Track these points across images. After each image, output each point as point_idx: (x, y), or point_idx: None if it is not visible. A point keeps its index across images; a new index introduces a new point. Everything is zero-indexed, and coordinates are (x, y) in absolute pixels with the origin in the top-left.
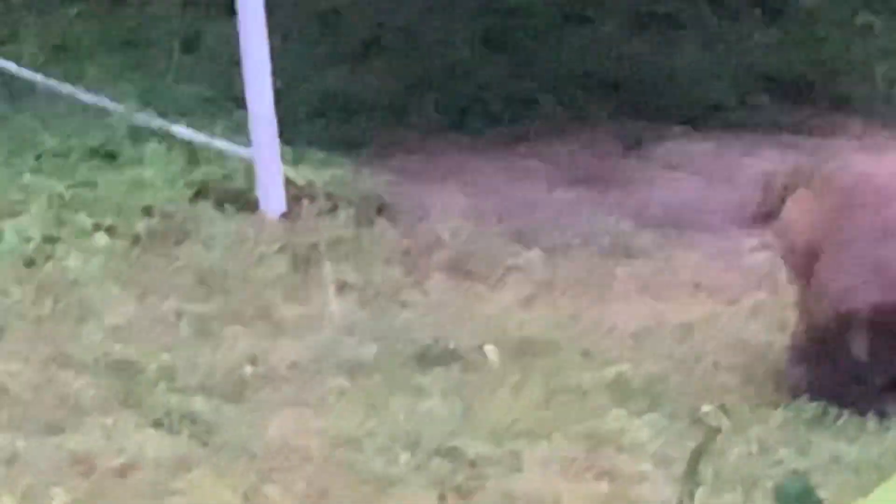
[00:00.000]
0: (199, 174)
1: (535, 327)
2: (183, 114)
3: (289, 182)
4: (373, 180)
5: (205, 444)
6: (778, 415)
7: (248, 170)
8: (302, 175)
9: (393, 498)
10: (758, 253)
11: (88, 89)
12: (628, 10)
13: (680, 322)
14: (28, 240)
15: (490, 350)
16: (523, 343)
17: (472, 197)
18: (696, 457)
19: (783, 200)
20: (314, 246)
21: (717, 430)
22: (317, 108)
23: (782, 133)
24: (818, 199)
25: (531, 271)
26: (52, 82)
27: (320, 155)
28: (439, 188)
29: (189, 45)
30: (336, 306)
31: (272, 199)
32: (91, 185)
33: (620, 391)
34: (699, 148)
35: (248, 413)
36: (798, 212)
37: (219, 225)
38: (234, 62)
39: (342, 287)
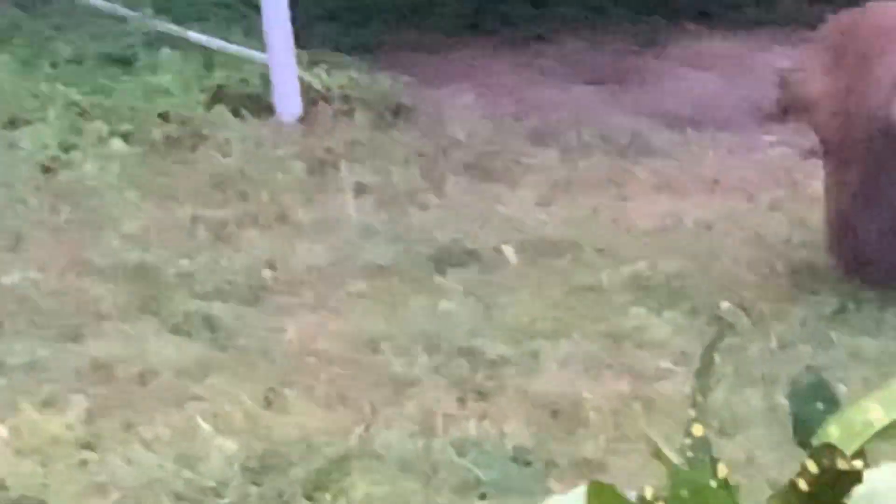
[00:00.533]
0: (214, 79)
1: (554, 227)
2: (198, 19)
3: (305, 85)
4: (389, 82)
5: (224, 349)
6: (798, 311)
7: (264, 74)
8: (318, 78)
9: (412, 399)
10: (775, 149)
11: None
12: None
13: (698, 219)
14: (45, 147)
15: (508, 250)
16: (541, 243)
17: (488, 97)
18: (709, 352)
19: (800, 97)
20: (331, 149)
21: (730, 326)
22: (332, 11)
23: (799, 29)
24: (832, 46)
25: (549, 171)
26: None
27: (336, 58)
28: (456, 89)
29: None
30: (354, 209)
31: (288, 102)
32: (107, 91)
33: (639, 289)
34: (716, 45)
35: (267, 317)
36: (815, 66)
37: (235, 130)
38: None
39: (360, 190)
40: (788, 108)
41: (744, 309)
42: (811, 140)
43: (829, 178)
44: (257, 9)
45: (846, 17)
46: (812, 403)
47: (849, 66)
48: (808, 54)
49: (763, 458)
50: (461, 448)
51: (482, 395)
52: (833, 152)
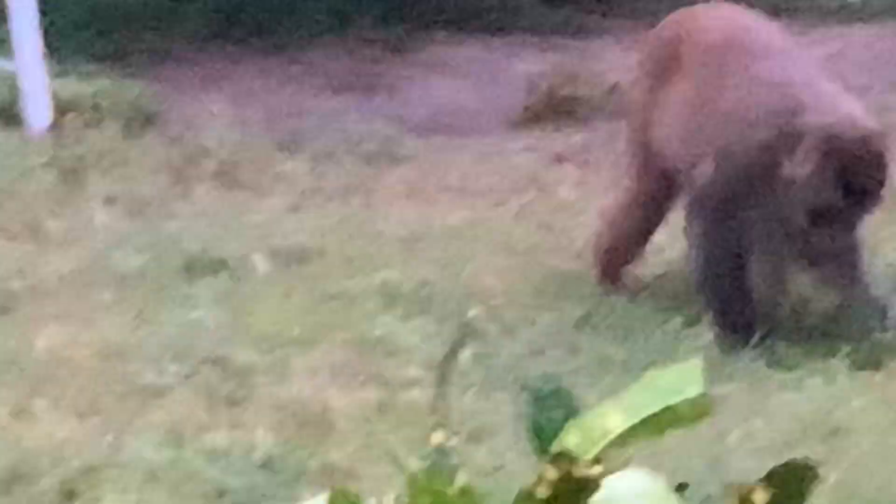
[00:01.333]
0: None
1: (303, 235)
2: None
3: (54, 95)
4: (138, 91)
5: None
6: (546, 317)
7: (13, 84)
8: (68, 88)
9: (162, 408)
10: (523, 155)
11: None
12: None
13: (447, 226)
14: None
15: (258, 258)
16: (291, 250)
17: (238, 105)
18: (448, 360)
19: (548, 102)
20: (81, 158)
21: (477, 333)
22: (82, 20)
23: (546, 34)
24: (660, 53)
25: (298, 178)
26: None
27: (86, 67)
28: (205, 97)
29: None
30: (103, 218)
31: (37, 112)
32: None
33: (389, 296)
34: (463, 52)
35: (17, 327)
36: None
37: None
38: None
39: (109, 199)
40: (534, 116)
41: (493, 316)
42: (558, 145)
43: (634, 189)
44: (4, 16)
45: (677, 21)
46: (551, 410)
47: (689, 82)
48: (635, 60)
49: (513, 465)
50: (210, 457)
51: (231, 403)
52: (652, 167)
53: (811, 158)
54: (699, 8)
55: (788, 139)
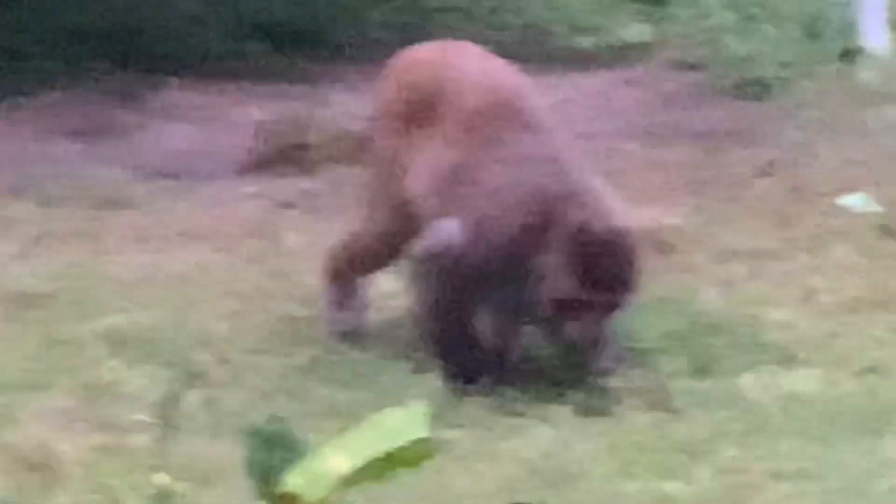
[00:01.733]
0: None
1: (30, 279)
2: None
3: None
4: None
5: None
6: (274, 362)
7: None
8: None
9: None
10: (252, 200)
11: None
12: None
13: (174, 272)
14: None
15: None
16: (18, 295)
17: None
18: (168, 405)
19: (277, 148)
20: None
21: (201, 377)
22: None
23: (275, 81)
24: (407, 96)
25: (26, 223)
26: None
27: None
28: None
29: None
30: None
31: None
32: None
33: (116, 342)
34: (192, 98)
35: None
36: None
37: None
38: None
39: None
40: (262, 162)
41: (220, 360)
42: (286, 192)
43: (373, 228)
44: None
45: (428, 65)
46: (274, 452)
47: (452, 140)
48: (376, 101)
49: None
50: None
51: None
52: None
53: (559, 251)
54: (451, 52)
55: (538, 229)
